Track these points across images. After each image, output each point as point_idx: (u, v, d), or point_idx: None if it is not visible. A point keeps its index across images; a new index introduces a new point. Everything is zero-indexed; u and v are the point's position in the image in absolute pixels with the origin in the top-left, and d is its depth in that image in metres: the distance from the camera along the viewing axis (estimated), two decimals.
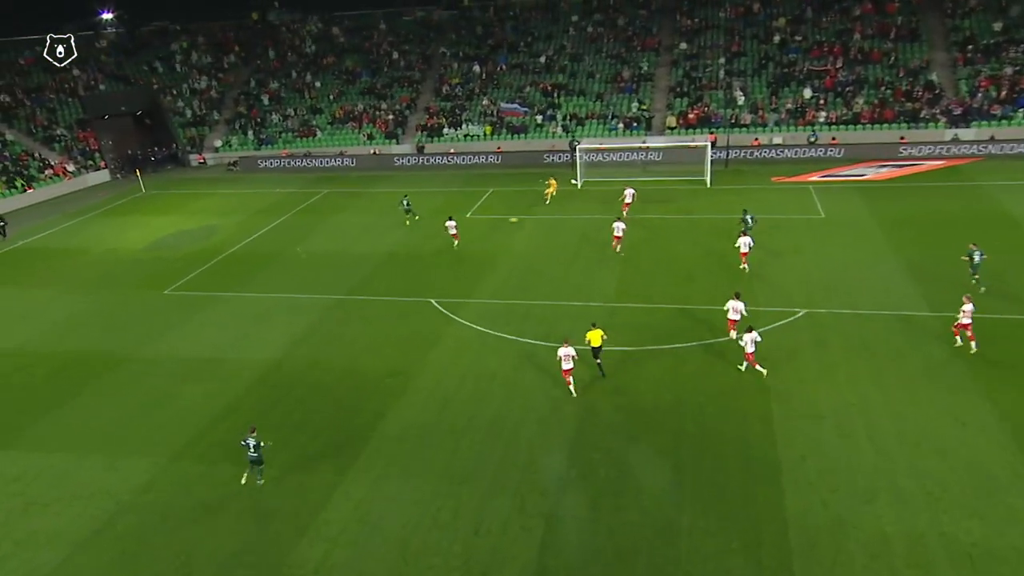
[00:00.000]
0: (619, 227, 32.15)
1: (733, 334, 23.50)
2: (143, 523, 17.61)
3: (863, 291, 26.87)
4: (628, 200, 37.82)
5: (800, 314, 25.29)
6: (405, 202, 40.79)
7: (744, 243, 29.01)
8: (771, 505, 16.53)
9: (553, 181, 43.37)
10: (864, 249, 31.23)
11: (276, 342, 26.43)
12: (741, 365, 21.89)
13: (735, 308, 23.46)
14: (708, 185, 43.45)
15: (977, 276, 25.24)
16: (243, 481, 18.56)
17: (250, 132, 64.22)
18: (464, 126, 60.11)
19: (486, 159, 55.40)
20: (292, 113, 65.06)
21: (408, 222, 39.63)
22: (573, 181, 44.74)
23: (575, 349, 21.14)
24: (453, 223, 35.40)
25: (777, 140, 51.76)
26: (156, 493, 18.62)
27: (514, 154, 55.25)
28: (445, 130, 60.38)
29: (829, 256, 30.75)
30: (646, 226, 36.56)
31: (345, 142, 62.37)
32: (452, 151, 57.05)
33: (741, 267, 29.11)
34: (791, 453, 18.17)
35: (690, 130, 53.84)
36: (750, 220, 31.70)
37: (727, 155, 49.00)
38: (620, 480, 17.77)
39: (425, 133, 61.07)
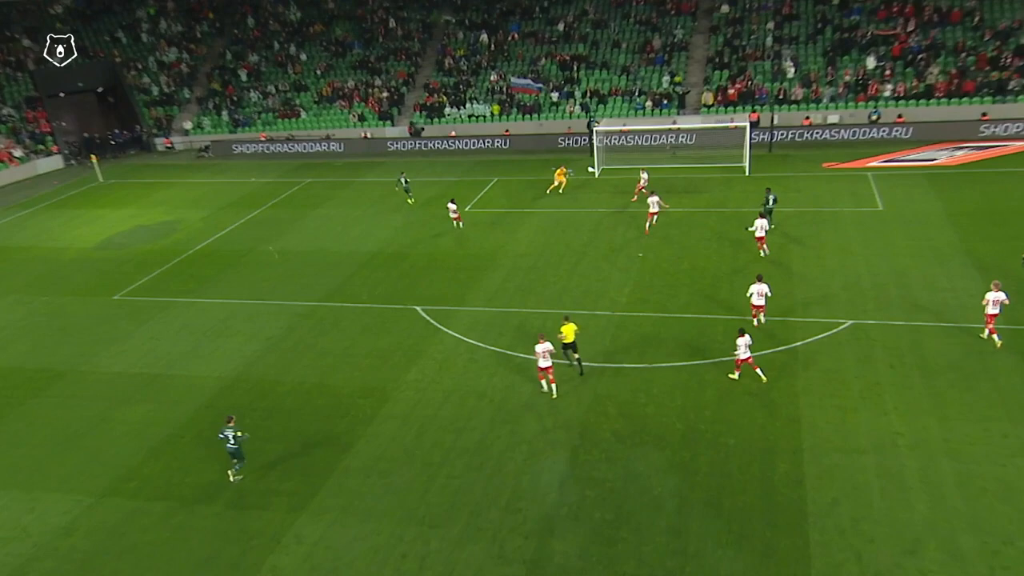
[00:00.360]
0: (655, 201, 33.60)
1: (758, 320, 24.90)
2: (59, 571, 17.55)
3: (923, 298, 26.28)
4: (643, 184, 38.65)
5: (844, 325, 24.90)
6: (403, 180, 42.88)
7: (760, 226, 29.98)
8: (795, 558, 16.03)
9: (562, 169, 43.02)
10: (928, 248, 30.64)
11: (234, 356, 26.45)
12: (734, 373, 22.14)
13: (759, 292, 24.51)
14: (747, 173, 42.89)
15: None
16: (231, 479, 19.80)
17: (225, 112, 64.75)
18: (468, 105, 60.04)
19: (492, 143, 55.38)
20: (273, 91, 65.48)
21: (410, 200, 42.32)
22: (590, 168, 44.41)
23: (552, 344, 22.22)
24: (454, 206, 37.07)
25: (833, 119, 50.98)
26: (78, 536, 18.58)
27: (524, 137, 55.22)
28: (447, 110, 60.35)
29: (884, 256, 30.09)
30: (669, 221, 36.25)
31: (333, 124, 62.67)
32: (453, 134, 57.04)
33: (760, 253, 30.26)
34: (822, 495, 17.66)
35: (730, 108, 53.22)
36: (771, 200, 32.71)
37: (771, 137, 48.41)
38: (616, 524, 17.41)
39: (424, 113, 61.10)
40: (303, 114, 63.79)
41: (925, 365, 22.30)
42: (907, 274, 28.38)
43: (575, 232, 36.05)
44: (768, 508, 17.49)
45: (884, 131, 47.64)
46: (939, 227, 32.69)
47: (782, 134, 49.33)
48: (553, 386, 22.08)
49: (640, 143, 51.21)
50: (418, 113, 61.72)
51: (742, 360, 21.64)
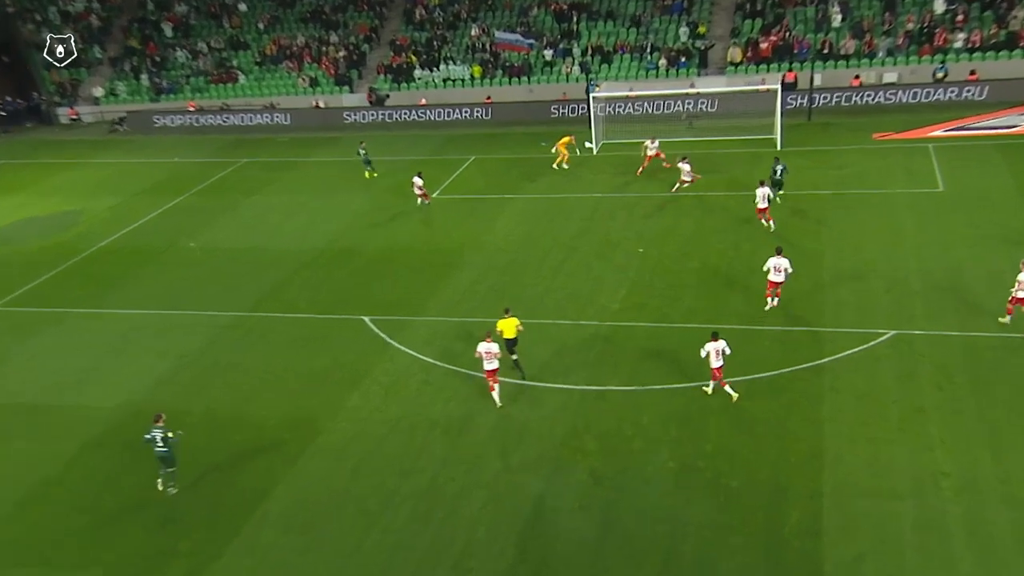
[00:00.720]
0: (687, 170, 35.92)
1: (773, 301, 26.39)
2: None
3: (985, 302, 26.01)
4: (651, 152, 39.84)
5: (885, 336, 24.80)
6: (362, 151, 44.56)
7: (761, 195, 31.85)
8: None
9: (569, 139, 43.14)
10: (996, 238, 30.38)
11: (137, 380, 26.41)
12: (708, 386, 22.62)
13: (776, 267, 26.00)
14: (779, 147, 42.76)
15: None
16: (159, 487, 20.64)
17: (144, 76, 64.73)
18: (443, 66, 60.01)
19: (471, 113, 55.52)
20: (205, 49, 65.51)
21: (368, 175, 44.15)
22: (587, 144, 44.29)
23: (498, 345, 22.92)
24: (420, 181, 38.22)
25: (889, 77, 50.93)
26: None
27: (509, 106, 55.26)
28: (417, 72, 60.34)
29: (941, 249, 29.95)
30: (678, 208, 36.18)
31: (277, 90, 62.72)
32: (423, 102, 57.06)
33: (766, 226, 32.25)
34: (844, 550, 17.50)
35: (762, 67, 53.14)
36: (779, 171, 34.13)
37: (811, 102, 48.30)
38: None
39: (388, 77, 61.08)
40: (241, 78, 63.89)
41: (982, 387, 22.09)
42: (967, 271, 28.21)
43: (565, 221, 36.10)
44: (776, 566, 17.32)
45: (952, 91, 47.54)
46: (1012, 211, 32.52)
47: (825, 98, 49.26)
48: (494, 393, 23.06)
49: (649, 111, 51.23)
50: (382, 77, 61.74)
51: (717, 369, 22.03)
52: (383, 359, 26.33)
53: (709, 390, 22.73)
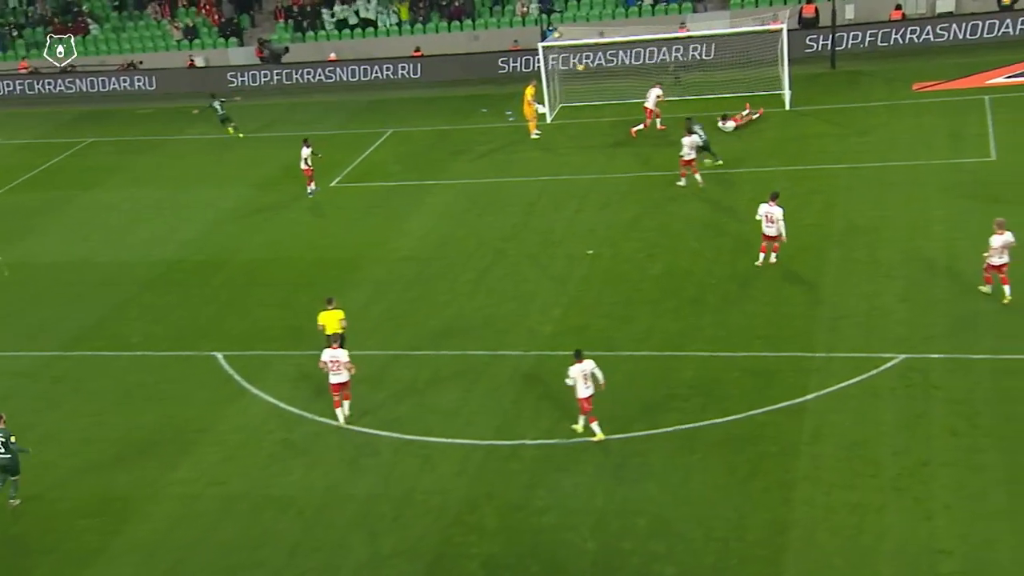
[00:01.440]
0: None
1: (770, 258, 29.20)
2: None
3: None
4: (651, 104, 41.05)
5: (892, 362, 24.65)
6: (217, 105, 46.75)
7: (688, 144, 34.64)
8: None
9: (530, 92, 43.11)
10: None
11: None
12: (577, 423, 23.19)
13: (768, 216, 28.61)
14: (787, 106, 42.64)
15: None
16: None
17: None
18: (359, 7, 59.72)
19: (393, 71, 55.55)
20: None
21: (234, 133, 47.21)
22: (540, 109, 44.12)
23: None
24: (308, 151, 38.91)
25: (945, 5, 50.87)
26: None
27: (445, 60, 55.17)
28: (325, 15, 60.09)
29: (978, 243, 29.23)
30: (647, 193, 36.23)
31: (142, 44, 62.32)
32: (333, 57, 56.83)
33: (677, 183, 35.37)
34: None
35: None
36: (700, 138, 35.69)
37: (834, 44, 48.00)
38: None
39: (288, 23, 60.78)
40: (94, 29, 63.45)
41: (1012, 433, 21.72)
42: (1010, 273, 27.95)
43: (497, 215, 36.20)
44: None
45: None
46: None
47: (855, 37, 49.29)
48: (339, 410, 24.55)
49: (626, 62, 51.11)
50: (281, 23, 61.46)
51: (583, 400, 22.68)
52: (233, 411, 26.09)
53: (579, 427, 23.18)
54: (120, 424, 26.09)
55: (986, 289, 26.54)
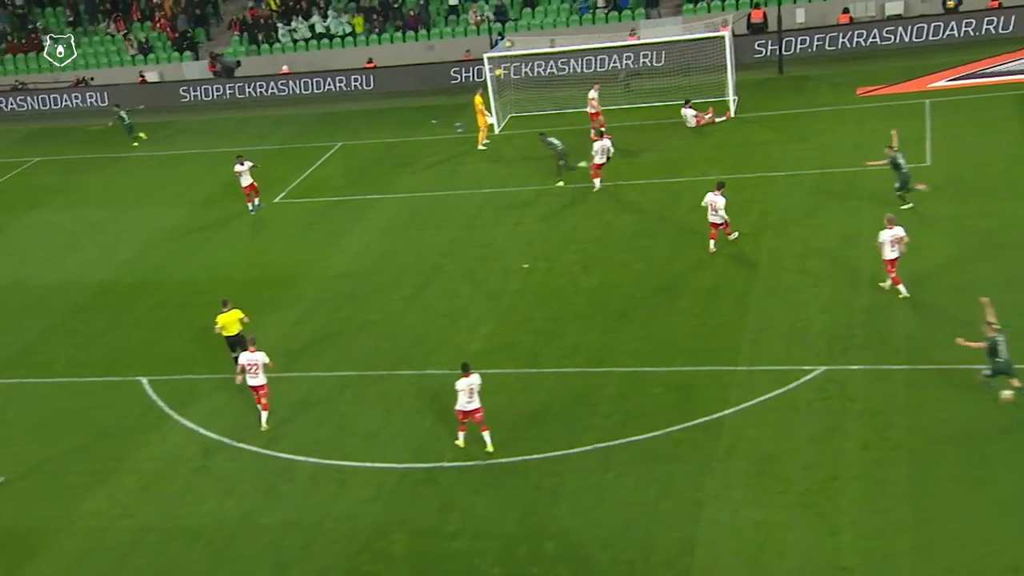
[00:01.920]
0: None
1: (713, 244, 30.79)
2: None
3: (949, 326, 25.55)
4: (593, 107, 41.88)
5: (811, 375, 24.64)
6: (122, 114, 48.93)
7: (599, 149, 36.27)
8: None
9: (478, 101, 43.43)
10: (983, 233, 30.21)
11: None
12: (458, 438, 23.71)
13: (713, 205, 30.22)
14: (732, 113, 42.91)
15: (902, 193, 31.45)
16: None
17: None
18: (316, 20, 59.60)
19: (346, 83, 55.58)
20: None
21: (136, 143, 49.03)
22: (489, 119, 44.10)
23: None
24: (243, 167, 38.48)
25: (894, 8, 51.04)
26: None
27: (398, 70, 55.17)
28: (281, 28, 59.99)
29: (911, 252, 29.62)
30: (588, 204, 36.28)
31: (96, 60, 62.10)
32: (285, 70, 56.74)
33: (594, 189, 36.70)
34: None
35: (728, 1, 52.99)
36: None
37: (781, 49, 48.19)
38: None
39: (244, 36, 60.67)
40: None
41: (922, 445, 21.62)
42: (934, 282, 28.01)
43: (437, 230, 36.20)
44: None
45: (969, 25, 47.85)
46: (1011, 193, 32.39)
47: (803, 42, 49.38)
48: (265, 414, 25.24)
49: (577, 71, 51.17)
50: (237, 36, 61.33)
51: (466, 414, 23.10)
52: (153, 438, 25.92)
53: (460, 443, 23.52)
54: (34, 455, 25.74)
55: (886, 284, 27.33)
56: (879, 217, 31.17)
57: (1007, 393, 22.11)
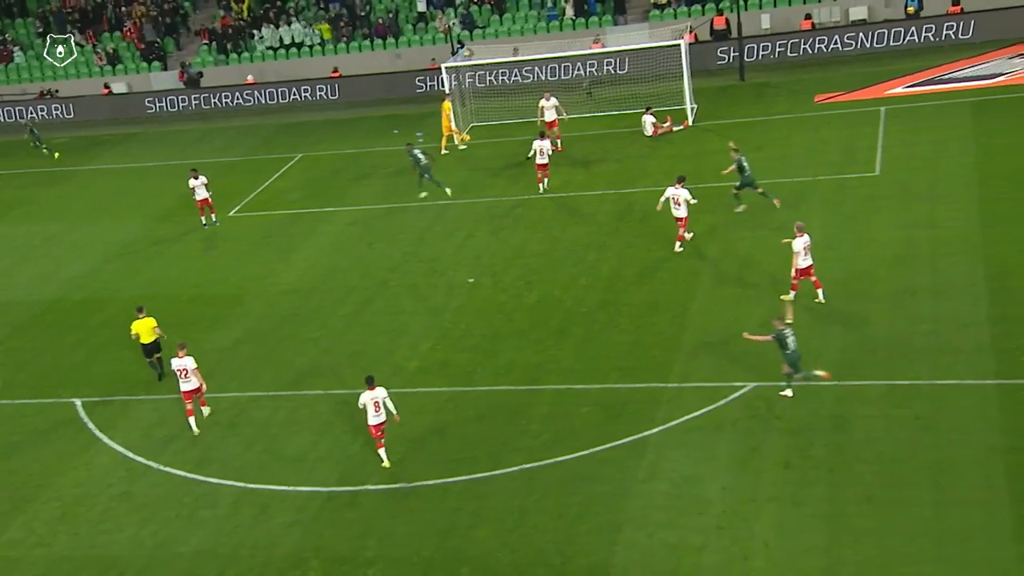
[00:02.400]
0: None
1: (679, 245, 31.37)
2: None
3: (879, 336, 25.82)
4: (549, 116, 41.67)
5: (741, 392, 24.59)
6: (32, 130, 51.22)
7: (537, 148, 37.34)
8: None
9: (447, 107, 43.70)
10: (926, 242, 30.27)
11: None
12: (384, 460, 23.74)
13: (675, 198, 30.65)
14: (690, 122, 42.86)
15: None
16: None
17: None
18: (284, 27, 59.52)
19: (311, 93, 55.60)
20: None
21: (48, 154, 50.72)
22: (461, 143, 44.09)
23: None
24: (198, 182, 38.34)
25: (858, 13, 51.01)
26: None
27: (363, 80, 55.23)
28: (256, 36, 59.91)
29: (843, 265, 29.60)
30: (539, 215, 36.32)
31: (62, 72, 62.00)
32: (250, 80, 56.65)
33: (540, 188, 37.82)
34: None
35: (695, 7, 52.85)
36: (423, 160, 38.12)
37: (743, 56, 48.10)
38: None
39: (213, 46, 60.58)
40: (18, 56, 63.19)
41: (842, 464, 21.49)
42: (872, 294, 27.94)
43: (387, 245, 36.16)
44: None
45: (930, 30, 48.08)
46: (957, 203, 32.32)
47: (765, 48, 49.41)
48: (192, 419, 25.90)
49: (542, 77, 51.16)
50: (206, 45, 61.27)
51: (375, 428, 23.30)
52: (79, 463, 25.61)
53: (385, 462, 23.60)
54: None
55: (789, 297, 27.00)
56: (822, 228, 31.48)
57: (788, 392, 23.61)
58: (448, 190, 38.07)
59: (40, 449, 26.66)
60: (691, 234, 31.74)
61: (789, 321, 23.42)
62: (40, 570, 22.09)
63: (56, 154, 50.30)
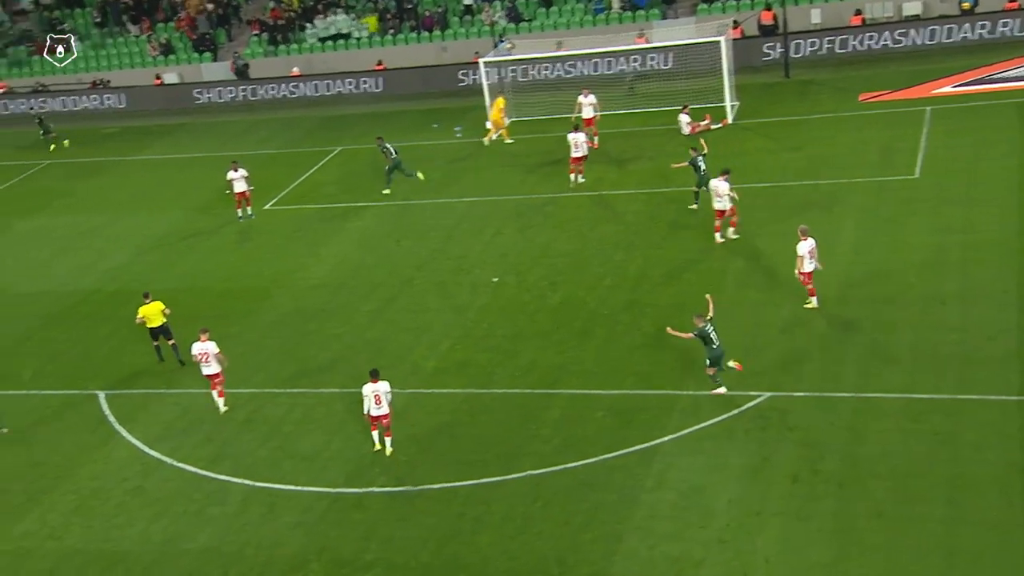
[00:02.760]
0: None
1: (719, 236, 31.43)
2: None
3: (902, 349, 25.22)
4: (587, 113, 41.47)
5: (756, 401, 24.10)
6: (43, 121, 51.11)
7: (574, 142, 37.34)
8: None
9: (500, 105, 43.53)
10: (961, 247, 29.57)
11: None
12: (384, 446, 23.98)
13: (718, 191, 30.65)
14: (730, 119, 42.23)
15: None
16: None
17: None
18: (332, 19, 59.57)
19: (357, 85, 55.29)
20: (29, 5, 65.54)
21: (53, 147, 50.95)
22: (488, 124, 43.82)
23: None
24: (237, 174, 38.55)
25: (912, 8, 49.96)
26: None
27: (408, 73, 55.00)
28: (308, 28, 60.00)
29: (875, 270, 29.08)
30: (571, 214, 35.95)
31: (119, 61, 62.55)
32: (296, 72, 56.80)
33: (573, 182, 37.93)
34: None
35: (743, 1, 52.21)
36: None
37: (787, 52, 47.23)
38: None
39: (264, 36, 60.76)
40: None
41: (853, 479, 21.06)
42: (899, 304, 27.33)
43: (415, 241, 35.96)
44: None
45: (983, 27, 46.92)
46: (996, 207, 31.44)
47: (812, 44, 48.57)
48: (221, 400, 26.37)
49: (584, 73, 50.62)
50: (256, 36, 61.50)
51: (380, 418, 23.59)
52: (98, 456, 25.71)
53: (387, 449, 23.89)
54: None
55: (813, 304, 27.19)
56: (856, 232, 30.87)
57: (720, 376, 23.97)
58: (420, 175, 39.00)
59: (61, 441, 26.79)
60: (736, 235, 31.67)
61: (710, 316, 23.76)
62: (50, 563, 22.19)
63: (65, 142, 51.50)
